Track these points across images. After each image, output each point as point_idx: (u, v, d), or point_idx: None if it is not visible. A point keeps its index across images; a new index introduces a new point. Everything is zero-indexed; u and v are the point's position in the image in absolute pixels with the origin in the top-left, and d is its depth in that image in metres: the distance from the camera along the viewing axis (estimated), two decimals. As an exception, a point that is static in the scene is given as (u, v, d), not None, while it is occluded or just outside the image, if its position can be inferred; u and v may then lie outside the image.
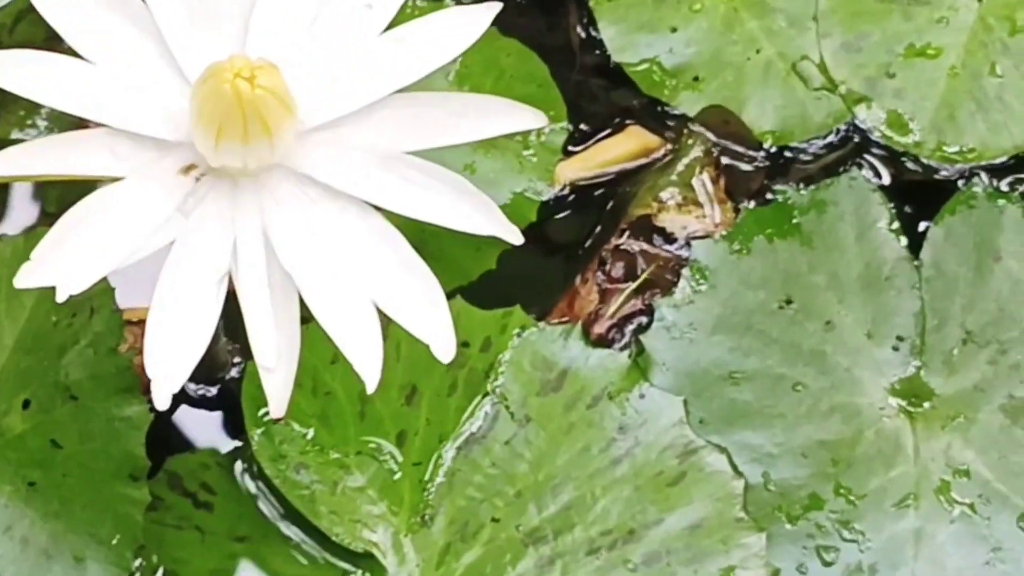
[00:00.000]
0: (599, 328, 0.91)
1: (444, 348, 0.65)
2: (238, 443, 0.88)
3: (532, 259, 0.94)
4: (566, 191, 0.95)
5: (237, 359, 0.90)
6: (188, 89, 0.65)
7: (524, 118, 0.66)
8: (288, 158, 0.65)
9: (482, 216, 0.65)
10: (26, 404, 0.84)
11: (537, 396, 0.86)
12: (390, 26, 0.67)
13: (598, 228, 0.94)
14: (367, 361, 0.63)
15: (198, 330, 0.63)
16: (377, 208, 0.66)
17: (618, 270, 0.92)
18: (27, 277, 0.62)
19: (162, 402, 0.63)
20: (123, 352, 0.84)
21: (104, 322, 0.84)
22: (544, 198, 0.93)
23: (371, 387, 0.63)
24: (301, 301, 0.65)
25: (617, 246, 0.93)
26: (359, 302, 0.64)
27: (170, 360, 0.63)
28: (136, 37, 0.66)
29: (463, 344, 0.86)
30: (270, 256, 0.65)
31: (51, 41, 0.97)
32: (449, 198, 0.65)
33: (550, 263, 0.95)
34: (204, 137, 0.62)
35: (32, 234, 0.87)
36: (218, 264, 0.64)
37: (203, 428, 0.91)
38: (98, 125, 0.95)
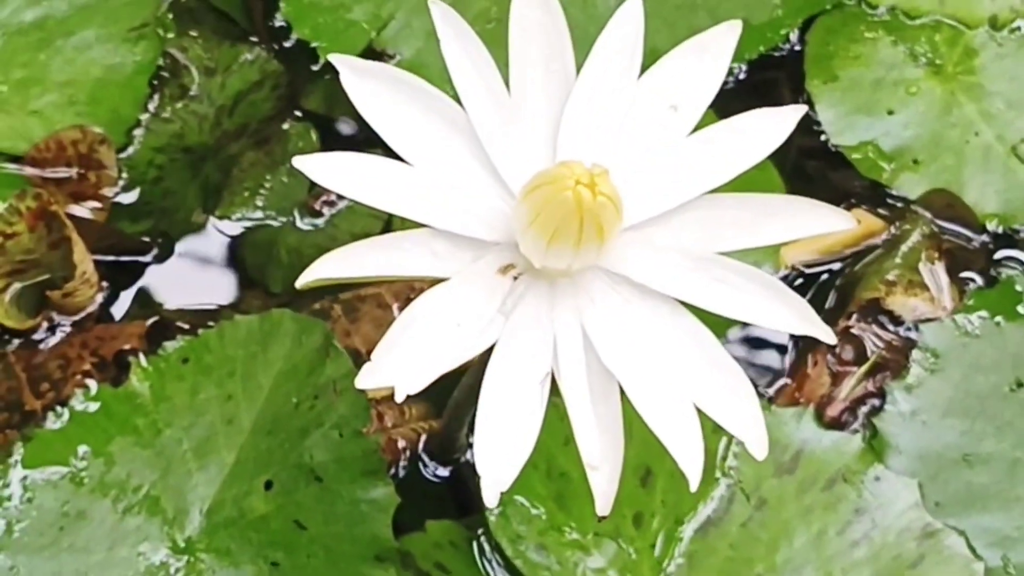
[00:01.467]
0: (832, 411, 0.91)
1: (759, 445, 0.66)
2: (468, 522, 0.88)
3: (757, 342, 0.95)
4: (791, 273, 0.96)
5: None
6: (503, 190, 0.66)
7: (831, 219, 0.67)
8: (602, 258, 0.66)
9: (798, 317, 0.66)
10: (268, 486, 0.84)
11: (772, 478, 0.87)
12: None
13: (826, 311, 0.95)
14: (691, 459, 0.64)
15: (525, 430, 0.64)
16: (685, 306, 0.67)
17: (848, 353, 0.93)
18: (367, 378, 0.63)
19: (492, 501, 0.64)
20: (368, 434, 0.85)
21: (349, 404, 0.84)
22: (770, 281, 0.94)
23: (694, 485, 0.64)
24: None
25: (847, 328, 0.93)
26: (678, 399, 0.65)
27: (499, 459, 0.64)
28: (451, 139, 0.67)
29: (695, 426, 0.87)
30: (588, 354, 0.65)
31: (267, 122, 1.00)
32: (765, 299, 0.66)
33: (775, 346, 0.95)
34: (535, 241, 0.63)
35: (266, 316, 0.88)
36: (541, 364, 0.65)
37: (431, 505, 0.91)
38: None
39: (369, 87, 0.67)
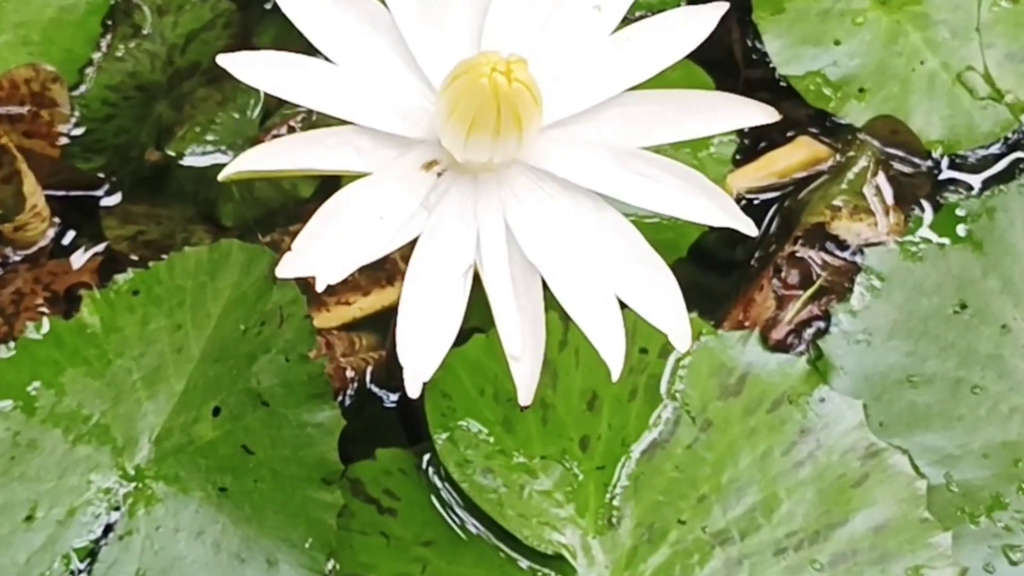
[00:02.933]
0: (777, 334, 0.92)
1: (681, 337, 0.67)
2: (417, 449, 0.88)
3: (705, 268, 0.95)
4: (738, 201, 0.96)
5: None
6: (426, 88, 0.67)
7: (753, 114, 0.67)
8: (525, 154, 0.66)
9: (719, 209, 0.67)
10: (216, 411, 0.85)
11: (717, 400, 0.87)
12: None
13: (771, 236, 0.96)
14: (612, 348, 0.65)
15: (447, 321, 0.64)
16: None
17: (794, 277, 0.93)
18: (287, 268, 0.63)
19: (414, 390, 0.64)
20: (314, 359, 0.85)
21: (295, 330, 0.85)
22: (716, 208, 0.95)
23: (616, 374, 0.65)
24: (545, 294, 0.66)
25: (792, 253, 0.94)
26: (601, 292, 0.65)
27: (422, 350, 0.64)
28: (375, 39, 0.68)
29: (641, 351, 0.87)
30: (511, 248, 0.66)
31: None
32: (687, 192, 0.66)
33: (722, 272, 0.96)
34: (455, 132, 0.64)
35: (215, 247, 0.89)
36: (463, 257, 0.65)
37: (380, 435, 0.92)
38: (268, 133, 0.97)
39: (294, -13, 0.67)
